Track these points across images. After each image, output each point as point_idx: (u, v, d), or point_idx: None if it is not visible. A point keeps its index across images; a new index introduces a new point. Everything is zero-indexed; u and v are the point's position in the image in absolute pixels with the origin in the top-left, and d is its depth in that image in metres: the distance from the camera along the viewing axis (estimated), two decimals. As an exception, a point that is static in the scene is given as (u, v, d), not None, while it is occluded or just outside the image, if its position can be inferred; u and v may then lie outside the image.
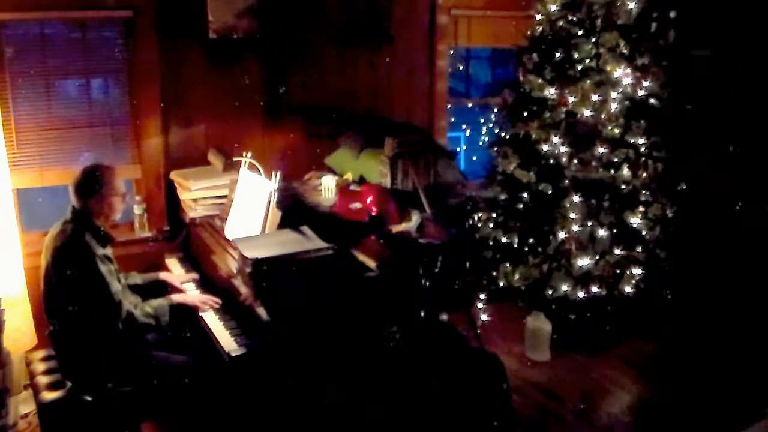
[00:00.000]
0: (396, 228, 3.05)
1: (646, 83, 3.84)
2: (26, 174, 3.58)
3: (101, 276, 2.66)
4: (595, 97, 3.80)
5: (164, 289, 3.20)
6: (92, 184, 2.76)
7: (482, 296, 4.02)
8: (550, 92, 3.91)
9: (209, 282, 3.20)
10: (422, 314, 2.84)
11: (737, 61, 4.44)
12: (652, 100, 3.92)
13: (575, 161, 3.87)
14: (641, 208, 3.88)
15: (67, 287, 2.65)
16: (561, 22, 3.94)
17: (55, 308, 2.72)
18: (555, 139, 3.87)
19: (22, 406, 3.24)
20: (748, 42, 4.38)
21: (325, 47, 4.19)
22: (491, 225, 4.15)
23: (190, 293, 3.13)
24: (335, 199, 3.34)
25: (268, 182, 3.08)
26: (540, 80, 3.94)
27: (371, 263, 2.76)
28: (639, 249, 3.94)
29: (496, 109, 4.56)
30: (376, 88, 4.42)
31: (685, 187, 4.10)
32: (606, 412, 3.43)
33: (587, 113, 3.83)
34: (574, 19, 3.90)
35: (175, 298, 2.93)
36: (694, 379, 3.63)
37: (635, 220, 3.87)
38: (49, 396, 2.70)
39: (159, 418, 3.08)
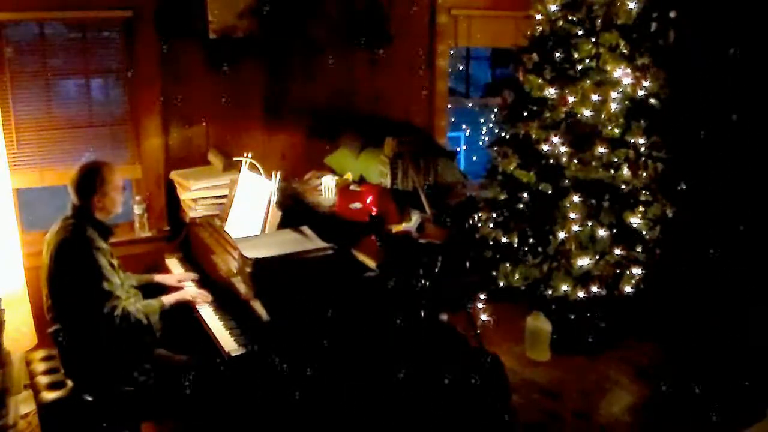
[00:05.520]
0: (396, 228, 3.05)
1: (646, 83, 3.83)
2: (26, 174, 3.58)
3: (99, 268, 2.67)
4: (595, 97, 3.80)
5: (159, 290, 3.19)
6: (91, 182, 2.77)
7: (482, 296, 4.02)
8: (550, 92, 3.91)
9: (209, 282, 3.20)
10: (422, 314, 2.84)
11: (738, 60, 4.44)
12: (652, 100, 3.91)
13: (575, 161, 3.87)
14: (641, 208, 3.87)
15: (68, 281, 2.66)
16: (561, 22, 3.94)
17: (58, 306, 2.72)
18: (555, 139, 3.87)
19: (22, 406, 3.25)
20: (748, 41, 4.39)
21: (325, 47, 4.19)
22: (491, 225, 4.15)
23: (185, 290, 3.13)
24: (335, 199, 3.34)
25: (268, 182, 3.08)
26: (540, 80, 3.94)
27: (371, 263, 2.76)
28: (639, 249, 3.94)
29: (496, 109, 4.56)
30: (376, 87, 4.42)
31: (685, 187, 4.09)
32: (606, 412, 3.44)
33: (587, 113, 3.83)
34: (574, 19, 3.89)
35: (167, 299, 2.91)
36: (694, 379, 3.63)
37: (635, 220, 3.87)
38: (49, 396, 2.70)
39: (159, 418, 3.08)
